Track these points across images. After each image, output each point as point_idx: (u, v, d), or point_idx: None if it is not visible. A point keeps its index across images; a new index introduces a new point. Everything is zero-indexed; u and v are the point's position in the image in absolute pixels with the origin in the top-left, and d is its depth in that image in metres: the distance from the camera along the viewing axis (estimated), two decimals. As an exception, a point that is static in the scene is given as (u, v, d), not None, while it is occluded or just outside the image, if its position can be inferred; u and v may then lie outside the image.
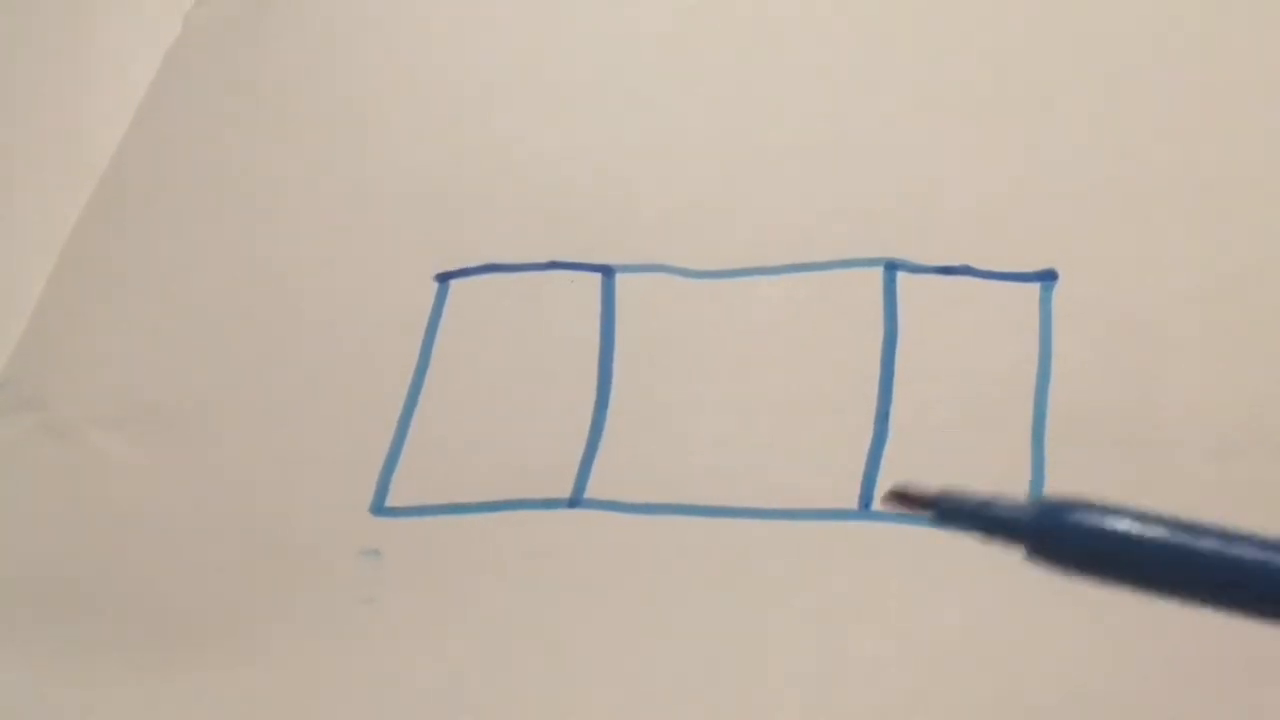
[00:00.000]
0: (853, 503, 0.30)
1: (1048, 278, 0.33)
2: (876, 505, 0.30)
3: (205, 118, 0.40)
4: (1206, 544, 0.17)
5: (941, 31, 0.36)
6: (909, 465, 0.30)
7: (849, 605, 0.28)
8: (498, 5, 0.41)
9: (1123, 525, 0.18)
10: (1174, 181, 0.33)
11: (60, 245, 0.38)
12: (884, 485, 0.30)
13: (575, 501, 0.31)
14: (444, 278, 0.35)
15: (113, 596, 0.32)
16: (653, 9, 0.39)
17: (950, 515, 0.20)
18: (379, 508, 0.31)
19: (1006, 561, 0.28)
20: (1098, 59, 0.35)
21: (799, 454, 0.31)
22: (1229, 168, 0.33)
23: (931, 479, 0.30)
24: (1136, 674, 0.27)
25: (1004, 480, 0.30)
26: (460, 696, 0.29)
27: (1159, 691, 0.26)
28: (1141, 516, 0.18)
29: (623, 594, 0.29)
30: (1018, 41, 0.36)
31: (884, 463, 0.30)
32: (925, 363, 0.32)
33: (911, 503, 0.21)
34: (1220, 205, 0.33)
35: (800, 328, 0.33)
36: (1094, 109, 0.35)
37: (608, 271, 0.34)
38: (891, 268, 0.33)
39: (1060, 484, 0.29)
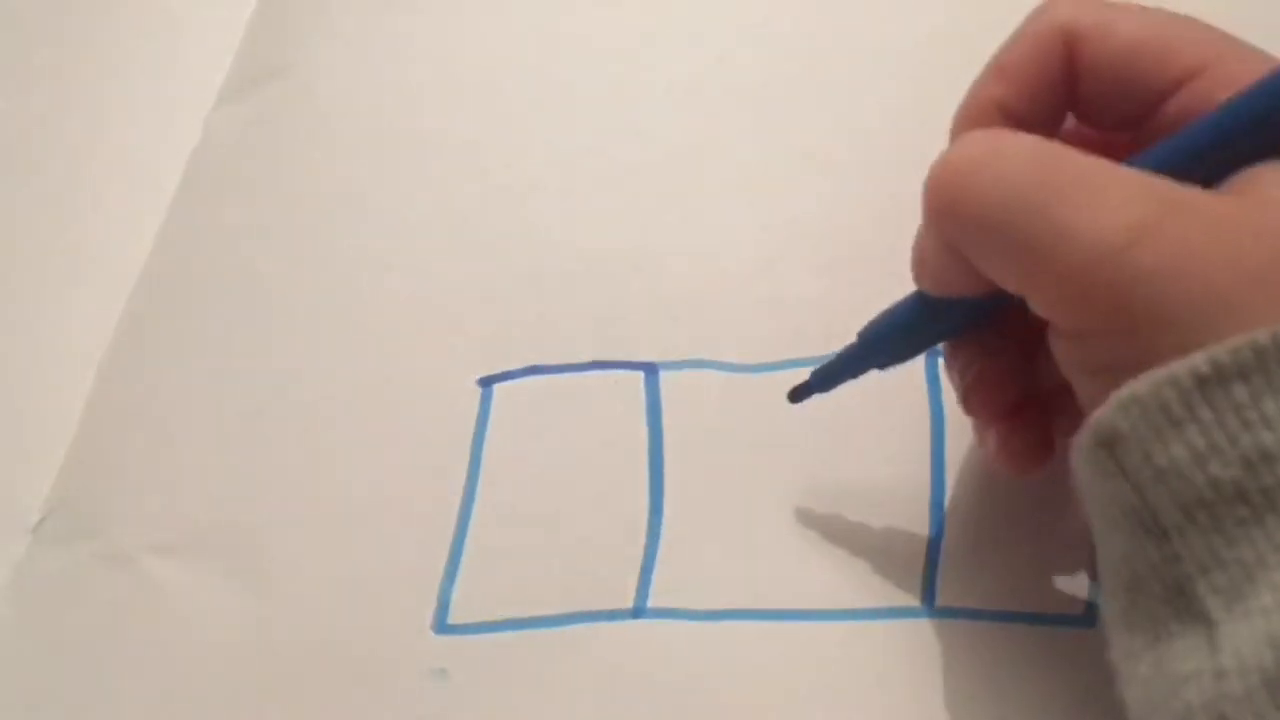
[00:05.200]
0: (916, 600, 0.30)
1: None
2: (939, 599, 0.30)
3: (234, 225, 0.40)
4: None
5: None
6: (967, 556, 0.30)
7: (919, 704, 0.29)
8: (530, 101, 0.41)
9: None
10: None
11: (96, 366, 0.38)
12: (945, 579, 0.30)
13: (639, 611, 0.31)
14: (487, 381, 0.35)
15: (179, 726, 0.32)
16: (686, 105, 0.40)
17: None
18: (442, 625, 0.32)
19: (1068, 657, 0.28)
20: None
21: (859, 550, 0.31)
22: None
23: (992, 568, 0.30)
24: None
25: (1065, 555, 0.30)
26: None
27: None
28: None
29: (694, 704, 0.29)
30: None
31: (943, 555, 0.30)
32: (973, 447, 0.32)
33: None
34: None
35: (849, 417, 0.33)
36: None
37: (650, 369, 0.35)
38: (934, 353, 0.33)
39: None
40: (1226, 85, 0.23)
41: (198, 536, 0.34)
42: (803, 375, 0.34)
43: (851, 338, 0.32)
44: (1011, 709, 0.28)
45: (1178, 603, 0.21)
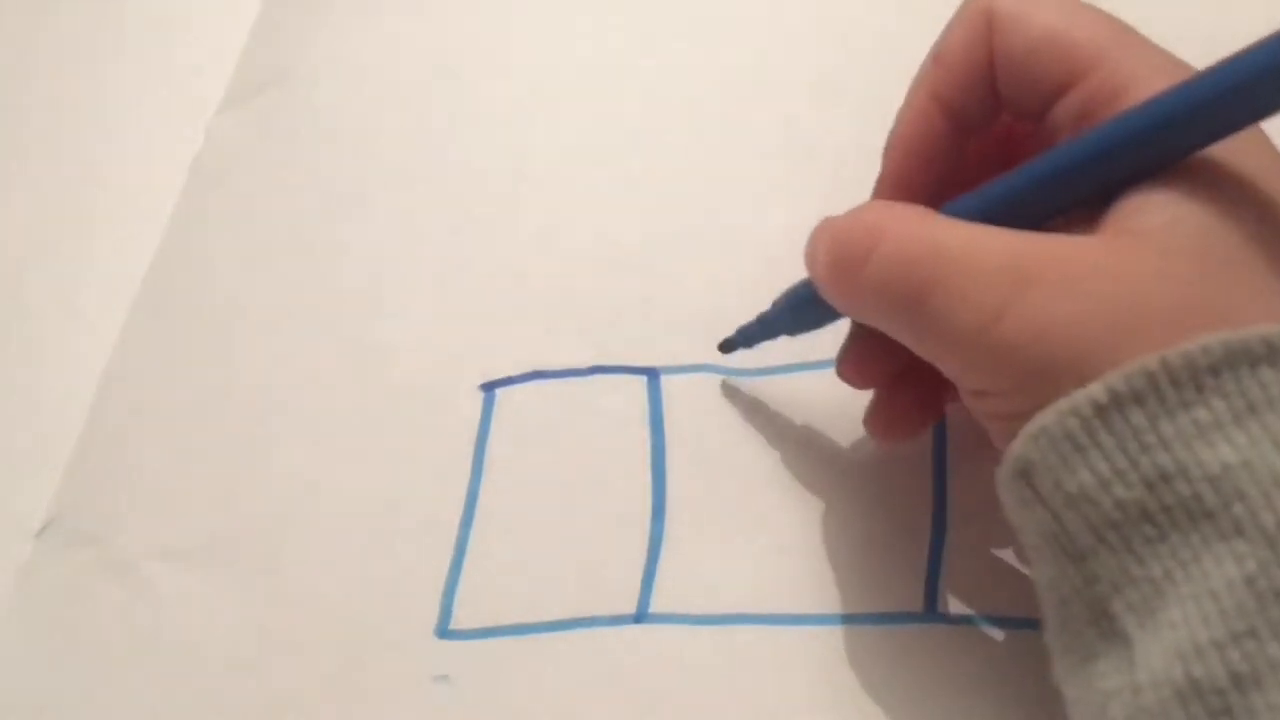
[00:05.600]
0: (918, 605, 0.30)
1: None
2: (942, 604, 0.30)
3: (237, 230, 0.40)
4: None
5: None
6: (970, 561, 0.30)
7: (921, 710, 0.29)
8: (532, 106, 0.41)
9: None
10: None
11: (99, 373, 0.38)
12: (948, 584, 0.30)
13: (641, 616, 0.31)
14: (489, 386, 0.35)
15: (183, 732, 0.32)
16: (689, 111, 0.40)
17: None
18: (444, 631, 0.32)
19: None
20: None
21: (861, 555, 0.31)
22: None
23: (995, 573, 0.30)
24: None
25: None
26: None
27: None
28: None
29: (697, 709, 0.29)
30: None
31: (946, 560, 0.30)
32: (973, 451, 0.32)
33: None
34: None
35: (852, 422, 0.33)
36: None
37: (652, 374, 0.35)
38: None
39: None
40: (1109, 93, 0.24)
41: (200, 542, 0.34)
42: (806, 379, 0.34)
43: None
44: (1014, 715, 0.28)
45: (1101, 623, 0.22)
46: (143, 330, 0.39)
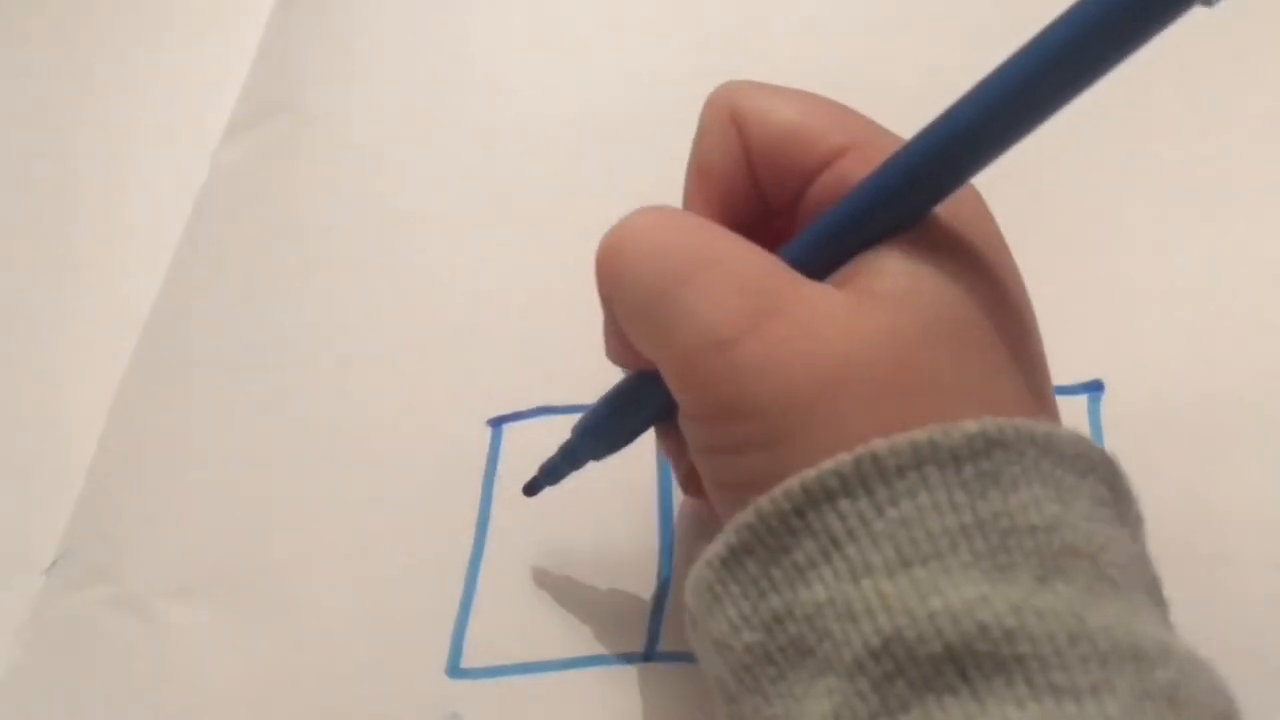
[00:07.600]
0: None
1: (1094, 389, 0.33)
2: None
3: (243, 262, 0.41)
4: None
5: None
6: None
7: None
8: (538, 134, 0.41)
9: None
10: (1216, 279, 0.34)
11: (107, 407, 0.38)
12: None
13: (650, 655, 0.31)
14: (497, 422, 0.36)
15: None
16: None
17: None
18: (455, 669, 0.32)
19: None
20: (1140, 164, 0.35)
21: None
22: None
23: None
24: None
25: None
26: None
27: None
28: None
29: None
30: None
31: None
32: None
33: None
34: (1267, 301, 0.33)
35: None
36: (1134, 212, 0.35)
37: (659, 410, 0.35)
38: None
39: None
40: (864, 166, 0.24)
41: (209, 580, 0.34)
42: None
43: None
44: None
45: None
46: (151, 364, 0.39)
